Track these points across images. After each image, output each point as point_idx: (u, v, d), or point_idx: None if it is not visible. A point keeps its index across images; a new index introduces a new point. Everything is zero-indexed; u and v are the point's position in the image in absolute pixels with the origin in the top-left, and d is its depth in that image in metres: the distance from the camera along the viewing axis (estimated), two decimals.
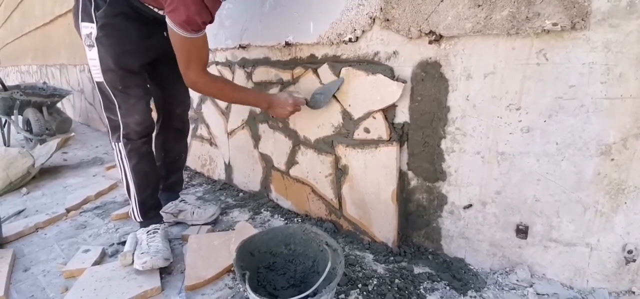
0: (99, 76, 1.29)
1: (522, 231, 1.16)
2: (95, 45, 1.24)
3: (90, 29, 1.23)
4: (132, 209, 1.46)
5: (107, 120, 1.38)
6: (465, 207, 1.24)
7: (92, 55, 1.26)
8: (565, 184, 1.04)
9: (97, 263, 1.40)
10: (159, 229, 1.44)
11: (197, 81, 1.26)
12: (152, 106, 1.55)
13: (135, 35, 1.30)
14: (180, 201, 1.71)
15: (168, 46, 1.22)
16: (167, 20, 1.15)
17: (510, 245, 1.19)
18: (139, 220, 1.47)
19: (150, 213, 1.48)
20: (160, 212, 1.56)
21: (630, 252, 1.02)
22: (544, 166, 1.06)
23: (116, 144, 1.38)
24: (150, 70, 1.45)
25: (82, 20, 1.24)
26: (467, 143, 1.17)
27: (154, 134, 1.49)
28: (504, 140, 1.10)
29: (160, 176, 1.66)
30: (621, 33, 0.88)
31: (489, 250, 1.24)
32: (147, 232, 1.41)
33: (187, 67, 1.23)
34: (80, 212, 1.91)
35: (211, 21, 1.20)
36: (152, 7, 1.29)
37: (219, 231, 1.63)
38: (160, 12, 1.30)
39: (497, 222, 1.20)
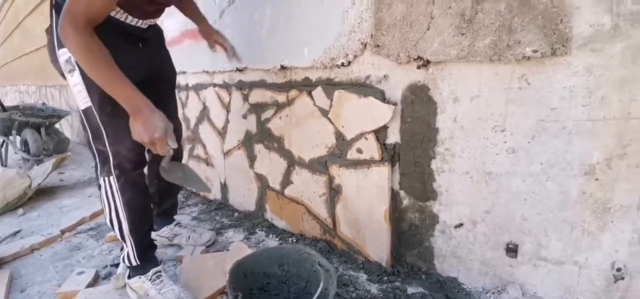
0: (85, 101, 1.16)
1: (512, 250, 1.18)
2: (76, 68, 1.12)
3: (68, 53, 1.12)
4: (127, 253, 1.30)
5: (95, 152, 1.24)
6: (456, 226, 1.26)
7: (75, 80, 1.14)
8: (551, 204, 1.07)
9: (91, 285, 1.40)
10: (160, 271, 1.32)
11: (71, 35, 0.98)
12: None
13: (120, 52, 1.10)
14: (175, 225, 1.70)
15: (156, 66, 1.16)
16: None
17: (501, 264, 1.21)
18: (135, 264, 1.30)
19: (147, 254, 1.33)
20: (155, 235, 1.55)
21: (619, 270, 1.04)
22: (530, 186, 1.09)
23: (106, 178, 1.22)
24: None
25: (59, 48, 1.14)
26: (456, 163, 1.20)
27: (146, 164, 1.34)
28: (491, 160, 1.13)
29: (154, 203, 1.62)
30: (604, 57, 0.91)
31: (481, 269, 1.25)
32: (150, 280, 1.29)
33: (68, 11, 0.96)
34: (75, 234, 1.91)
35: None
36: (138, 24, 1.21)
37: (213, 251, 1.63)
38: (145, 26, 1.25)
39: (487, 241, 1.21)
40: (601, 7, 0.88)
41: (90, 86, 1.12)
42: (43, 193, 2.60)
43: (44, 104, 4.42)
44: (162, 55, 1.47)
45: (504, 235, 1.18)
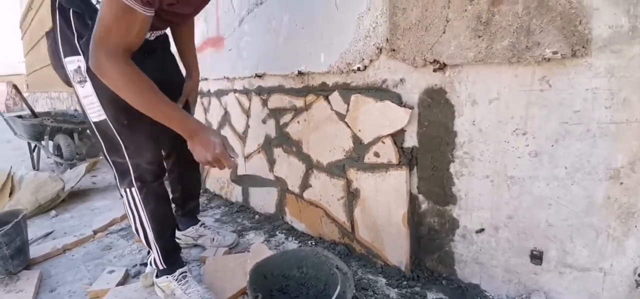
0: (98, 113, 1.12)
1: (536, 257, 1.15)
2: (87, 78, 1.08)
3: (77, 62, 1.07)
4: (154, 258, 1.34)
5: (112, 164, 1.22)
6: (477, 232, 1.24)
7: (86, 92, 1.10)
8: (576, 209, 1.04)
9: (121, 283, 1.46)
10: (186, 272, 1.36)
11: (110, 68, 0.93)
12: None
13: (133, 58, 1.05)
14: (201, 226, 1.76)
15: (166, 77, 1.13)
16: None
17: (526, 271, 1.18)
18: (162, 267, 1.34)
19: (172, 257, 1.37)
20: (181, 234, 1.61)
21: None
22: (554, 190, 1.06)
23: (128, 190, 1.22)
24: None
25: (65, 56, 1.09)
26: (475, 167, 1.18)
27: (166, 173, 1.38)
28: (513, 164, 1.11)
29: (178, 205, 1.69)
30: (624, 58, 0.89)
31: (504, 276, 1.23)
32: (177, 280, 1.33)
33: (101, 41, 0.91)
34: (107, 234, 2.00)
35: (153, 6, 0.93)
36: (146, 37, 1.10)
37: (235, 253, 1.68)
38: (152, 37, 1.23)
39: (510, 248, 1.19)
40: (619, 8, 0.86)
41: (103, 98, 1.10)
42: (76, 195, 2.74)
43: (76, 110, 4.65)
44: (167, 63, 1.46)
45: (528, 241, 1.15)
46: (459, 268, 1.32)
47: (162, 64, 1.37)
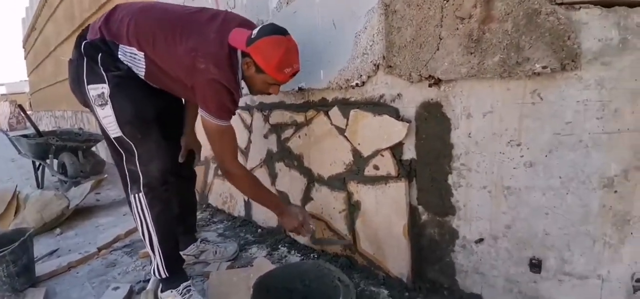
0: (116, 131, 1.30)
1: (535, 266, 1.17)
2: (108, 102, 1.26)
3: (101, 89, 1.25)
4: (157, 265, 1.39)
5: (127, 172, 1.37)
6: (476, 242, 1.26)
7: (106, 113, 1.28)
8: (573, 218, 1.06)
9: None
10: (190, 286, 1.41)
11: (232, 171, 1.34)
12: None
13: (146, 88, 1.33)
14: (201, 242, 1.78)
15: (171, 100, 1.33)
16: (200, 110, 1.26)
17: (526, 280, 1.19)
18: (165, 276, 1.40)
19: (176, 267, 1.44)
20: (183, 253, 1.62)
21: (638, 281, 1.02)
22: (550, 200, 1.08)
23: (136, 195, 1.35)
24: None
25: (88, 84, 1.27)
26: (472, 178, 1.21)
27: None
28: (509, 175, 1.14)
29: (177, 222, 1.68)
30: (614, 70, 0.93)
31: (505, 286, 1.24)
32: (181, 294, 1.38)
33: (223, 156, 1.33)
34: (111, 251, 2.02)
35: (237, 107, 1.31)
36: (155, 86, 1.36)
37: (238, 267, 1.69)
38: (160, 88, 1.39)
39: (510, 257, 1.20)
40: (609, 21, 0.89)
41: (121, 119, 1.28)
42: (80, 213, 2.76)
43: (80, 129, 4.71)
44: (171, 97, 1.54)
45: (526, 250, 1.17)
46: (460, 278, 1.33)
47: (168, 95, 1.46)
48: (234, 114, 1.32)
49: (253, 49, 1.22)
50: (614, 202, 0.98)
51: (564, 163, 1.03)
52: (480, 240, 1.25)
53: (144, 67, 1.27)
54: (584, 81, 0.96)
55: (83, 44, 1.27)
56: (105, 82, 1.25)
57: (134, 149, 1.31)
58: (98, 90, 1.26)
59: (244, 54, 1.27)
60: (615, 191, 0.97)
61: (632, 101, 0.92)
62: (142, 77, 1.30)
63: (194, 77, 1.23)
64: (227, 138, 1.31)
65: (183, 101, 1.64)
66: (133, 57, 1.26)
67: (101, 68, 1.25)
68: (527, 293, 1.20)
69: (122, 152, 1.35)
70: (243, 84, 1.36)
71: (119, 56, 1.26)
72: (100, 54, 1.25)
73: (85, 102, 1.33)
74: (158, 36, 1.24)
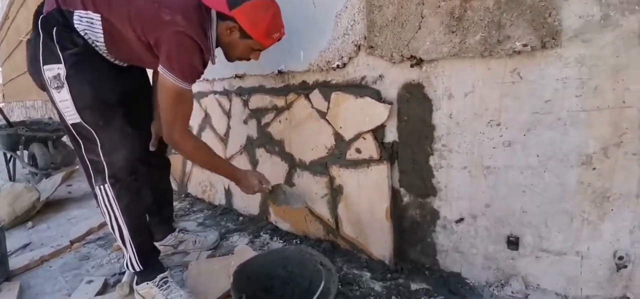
0: (74, 117, 1.17)
1: (513, 243, 1.19)
2: (65, 84, 1.14)
3: (56, 69, 1.13)
4: (130, 258, 1.31)
5: (88, 163, 1.25)
6: (457, 221, 1.27)
7: (63, 97, 1.15)
8: (550, 195, 1.08)
9: (100, 293, 1.43)
10: (167, 277, 1.34)
11: (181, 141, 1.22)
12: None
13: (107, 68, 1.22)
14: (180, 232, 1.73)
15: (138, 82, 1.23)
16: (162, 68, 1.12)
17: (503, 257, 1.21)
18: (139, 269, 1.32)
19: (150, 259, 1.36)
20: (161, 245, 1.57)
21: (621, 258, 1.04)
22: (528, 178, 1.10)
23: (101, 187, 1.24)
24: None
25: (44, 63, 1.14)
26: (453, 159, 1.21)
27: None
28: (488, 155, 1.14)
29: (153, 213, 1.63)
30: (595, 47, 0.92)
31: (484, 263, 1.26)
32: (158, 285, 1.31)
33: (173, 123, 1.18)
34: (84, 244, 1.94)
35: (203, 70, 1.19)
36: (120, 64, 1.27)
37: (219, 255, 1.66)
38: (126, 65, 1.30)
39: (489, 235, 1.22)
40: None
41: (80, 103, 1.16)
42: (52, 206, 2.65)
43: (50, 118, 4.49)
44: (138, 76, 1.45)
45: (504, 228, 1.18)
46: (440, 257, 1.35)
47: (131, 76, 1.37)
48: (199, 77, 1.19)
49: (238, 13, 1.15)
50: (592, 179, 1.00)
51: (542, 141, 1.04)
52: (461, 220, 1.26)
53: (102, 32, 1.14)
54: (563, 59, 0.96)
55: (40, 18, 1.15)
56: (60, 62, 1.12)
57: (96, 136, 1.19)
58: (53, 71, 1.13)
59: (224, 17, 1.18)
60: (594, 168, 0.99)
61: (613, 78, 0.92)
62: (103, 50, 1.18)
63: (158, 31, 1.10)
64: (184, 104, 1.19)
65: (151, 82, 1.52)
66: (90, 24, 1.13)
67: (57, 46, 1.12)
68: (505, 270, 1.22)
69: (80, 140, 1.22)
70: (218, 52, 1.27)
71: (75, 25, 1.13)
72: (55, 28, 1.12)
73: (43, 84, 1.20)
74: None
